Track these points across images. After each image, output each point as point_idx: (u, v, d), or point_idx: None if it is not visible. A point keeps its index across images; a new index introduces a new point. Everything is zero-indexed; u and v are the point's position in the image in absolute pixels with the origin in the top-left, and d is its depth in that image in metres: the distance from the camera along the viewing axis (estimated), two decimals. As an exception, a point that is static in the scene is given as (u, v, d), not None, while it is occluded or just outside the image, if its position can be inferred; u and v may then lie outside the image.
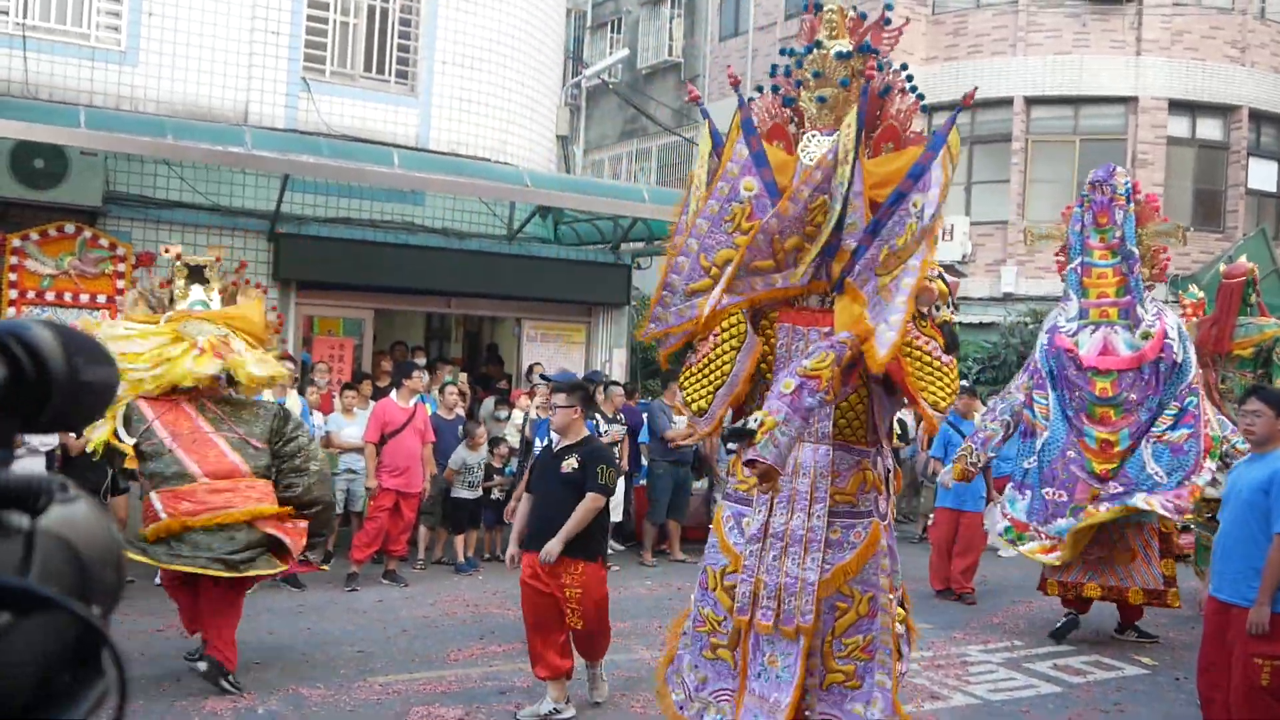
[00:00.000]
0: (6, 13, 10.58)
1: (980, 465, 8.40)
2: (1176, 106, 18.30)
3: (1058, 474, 8.04)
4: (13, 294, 10.14)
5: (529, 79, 13.87)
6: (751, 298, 4.37)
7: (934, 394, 4.29)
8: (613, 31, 25.80)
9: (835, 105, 4.44)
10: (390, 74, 12.71)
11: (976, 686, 7.13)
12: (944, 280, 4.70)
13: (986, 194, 18.28)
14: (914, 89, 4.54)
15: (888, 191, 4.24)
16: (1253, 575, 5.20)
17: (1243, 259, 9.52)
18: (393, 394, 9.94)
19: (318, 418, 10.15)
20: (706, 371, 4.47)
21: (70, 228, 10.35)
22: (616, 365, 14.04)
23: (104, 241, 10.52)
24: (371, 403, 10.32)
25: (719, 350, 4.43)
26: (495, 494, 10.51)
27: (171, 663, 6.81)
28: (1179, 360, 7.78)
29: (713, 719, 4.55)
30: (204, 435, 6.37)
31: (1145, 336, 7.78)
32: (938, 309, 4.56)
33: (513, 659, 6.98)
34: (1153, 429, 7.79)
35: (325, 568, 7.12)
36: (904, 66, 4.56)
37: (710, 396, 4.45)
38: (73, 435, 7.19)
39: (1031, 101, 18.38)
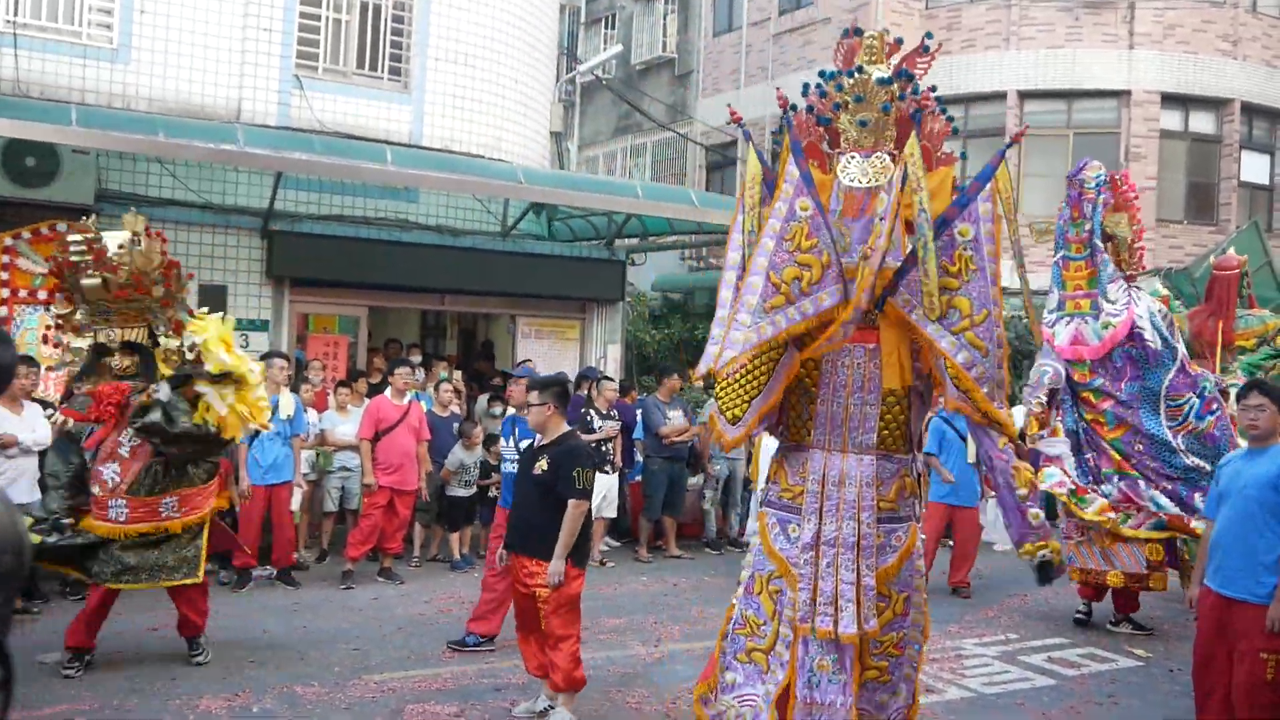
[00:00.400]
0: (-3, 11, 10.56)
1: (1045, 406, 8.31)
2: (1169, 100, 18.33)
3: (1086, 442, 8.31)
4: (4, 293, 10.13)
5: (523, 75, 13.86)
6: (807, 320, 4.44)
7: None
8: (607, 27, 25.77)
9: (875, 129, 4.58)
10: (383, 71, 12.69)
11: (971, 680, 7.15)
12: None
13: (980, 188, 18.21)
14: (944, 111, 4.69)
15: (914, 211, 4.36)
16: (1261, 570, 5.19)
17: (1231, 251, 9.55)
18: (387, 391, 9.93)
19: (312, 415, 10.15)
20: (744, 381, 4.61)
21: (62, 226, 10.27)
22: (611, 361, 14.05)
23: (97, 240, 10.48)
24: (366, 400, 10.31)
25: (757, 361, 4.56)
26: (492, 491, 10.51)
27: (166, 661, 6.81)
28: (1154, 346, 7.88)
29: None
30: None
31: (1106, 327, 7.89)
32: None
33: (508, 655, 6.97)
34: (1176, 421, 7.94)
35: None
36: (933, 89, 4.68)
37: (745, 405, 4.62)
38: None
39: (1025, 95, 18.42)
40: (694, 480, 12.09)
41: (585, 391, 11.13)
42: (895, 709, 4.70)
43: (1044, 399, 8.12)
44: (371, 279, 12.19)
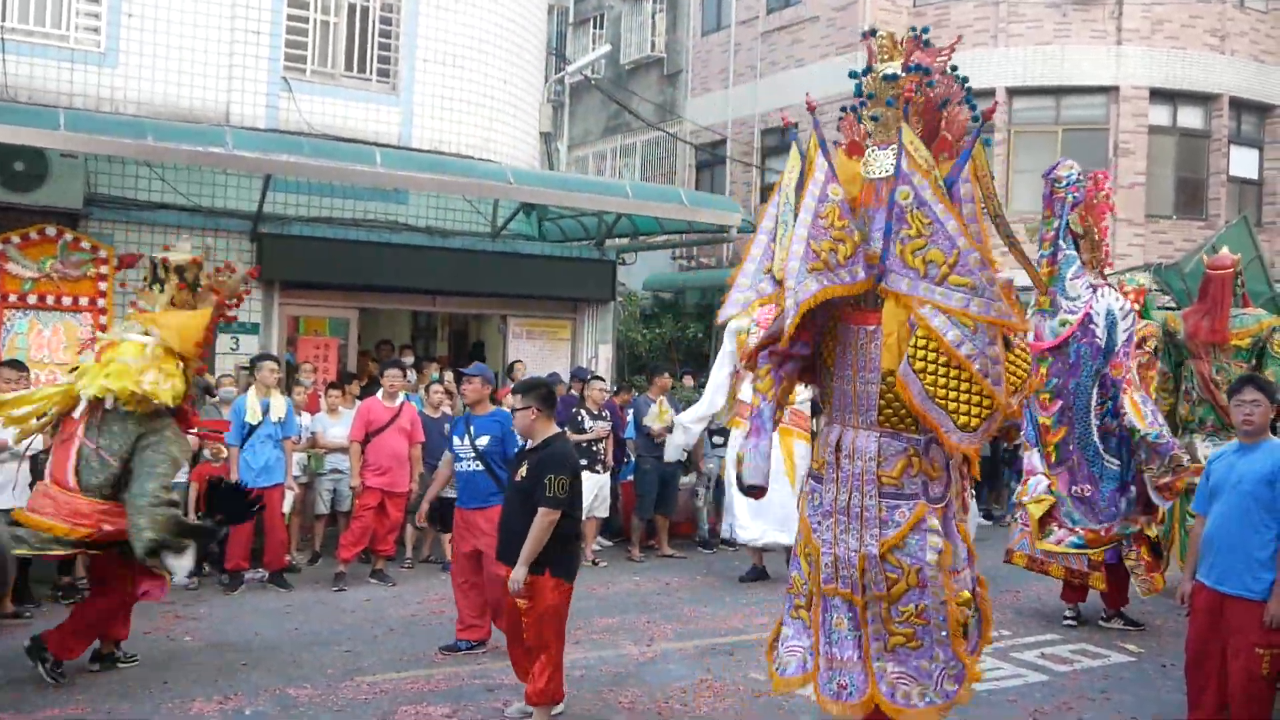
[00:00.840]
0: (-16, 15, 10.53)
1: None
2: (1158, 95, 18.37)
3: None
4: (-6, 297, 10.10)
5: (511, 76, 13.86)
6: (830, 289, 4.69)
7: (963, 414, 4.56)
8: (595, 27, 25.75)
9: (885, 123, 4.85)
10: (372, 72, 12.68)
11: (964, 676, 7.15)
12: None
13: (970, 185, 18.27)
14: (971, 104, 4.93)
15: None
16: (1257, 567, 5.21)
17: (1224, 249, 9.56)
18: (378, 393, 9.92)
19: (305, 418, 10.14)
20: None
21: (51, 230, 10.29)
22: (602, 361, 14.06)
23: (85, 244, 10.46)
24: (357, 402, 10.30)
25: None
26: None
27: (159, 664, 6.81)
28: (1100, 344, 7.87)
29: (786, 665, 5.08)
30: (71, 439, 6.44)
31: (1063, 324, 7.92)
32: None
33: (500, 656, 6.96)
34: (1099, 419, 7.96)
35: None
36: (965, 81, 4.92)
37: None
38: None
39: (1013, 92, 18.45)
40: (686, 479, 12.09)
41: (577, 391, 11.12)
42: (939, 673, 4.82)
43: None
44: (362, 281, 12.18)
